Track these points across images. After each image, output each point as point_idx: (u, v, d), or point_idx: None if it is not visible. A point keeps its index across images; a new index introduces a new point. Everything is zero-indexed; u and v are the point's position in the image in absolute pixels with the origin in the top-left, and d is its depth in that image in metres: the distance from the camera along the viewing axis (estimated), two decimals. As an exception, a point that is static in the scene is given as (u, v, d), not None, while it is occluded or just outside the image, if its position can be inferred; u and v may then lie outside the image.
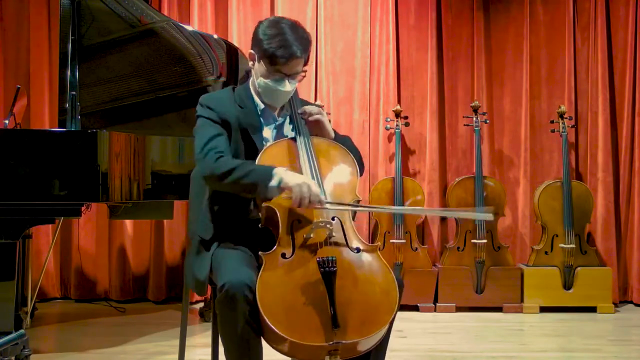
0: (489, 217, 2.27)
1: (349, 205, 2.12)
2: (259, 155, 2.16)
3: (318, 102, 4.54)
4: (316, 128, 2.28)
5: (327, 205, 2.06)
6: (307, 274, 1.95)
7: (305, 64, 2.22)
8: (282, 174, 2.03)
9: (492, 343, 3.78)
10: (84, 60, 3.51)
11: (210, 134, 2.17)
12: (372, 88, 4.89)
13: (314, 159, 2.15)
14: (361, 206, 2.15)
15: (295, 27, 2.19)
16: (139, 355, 3.44)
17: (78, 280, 4.83)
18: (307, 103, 2.40)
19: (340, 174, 2.21)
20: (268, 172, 2.04)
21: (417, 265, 4.57)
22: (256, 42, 2.19)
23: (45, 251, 4.60)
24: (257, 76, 2.23)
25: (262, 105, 2.28)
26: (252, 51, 2.24)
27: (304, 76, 2.26)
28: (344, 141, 2.33)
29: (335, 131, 2.35)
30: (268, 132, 2.29)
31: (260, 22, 2.23)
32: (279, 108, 2.32)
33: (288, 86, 2.20)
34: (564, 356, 3.55)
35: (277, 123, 2.32)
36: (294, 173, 2.06)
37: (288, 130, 2.32)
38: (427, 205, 4.74)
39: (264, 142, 2.25)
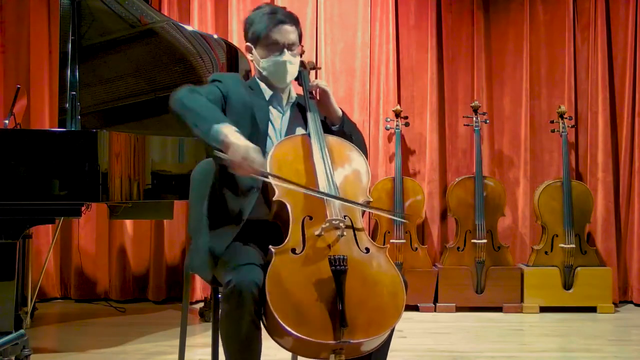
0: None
1: (285, 181, 2.04)
2: (272, 149, 2.16)
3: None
4: (323, 104, 2.31)
5: (261, 175, 2.00)
6: (318, 271, 1.94)
7: (300, 39, 2.31)
8: (229, 130, 1.99)
9: (492, 343, 3.78)
10: (84, 60, 3.51)
11: (203, 88, 2.24)
12: (372, 88, 4.89)
13: (328, 156, 2.16)
14: (293, 183, 2.07)
15: (276, 6, 2.34)
16: (139, 355, 3.43)
17: (78, 280, 4.83)
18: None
19: (353, 173, 2.22)
20: (220, 120, 2.02)
21: (417, 265, 4.57)
22: (247, 29, 2.31)
23: (45, 251, 4.60)
24: (259, 63, 2.29)
25: (270, 93, 2.32)
26: (247, 43, 2.32)
27: (303, 52, 2.34)
28: (353, 127, 2.37)
29: (343, 111, 2.36)
30: (278, 120, 2.31)
31: (246, 18, 2.35)
32: (286, 96, 2.34)
33: (288, 55, 2.25)
34: (564, 356, 3.55)
35: (285, 110, 2.33)
36: (240, 135, 2.00)
37: (298, 117, 2.34)
38: (427, 204, 4.76)
39: (270, 125, 2.27)
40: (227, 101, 2.24)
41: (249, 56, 2.34)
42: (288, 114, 2.34)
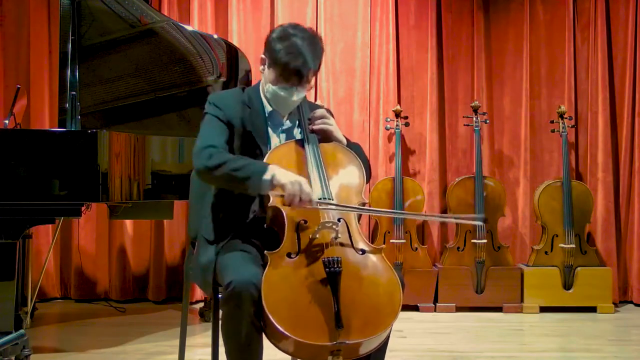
0: (478, 222, 2.25)
1: (343, 207, 2.10)
2: (267, 156, 2.17)
3: (319, 102, 4.54)
4: (325, 136, 2.27)
5: (318, 205, 2.05)
6: (313, 274, 1.96)
7: (316, 72, 2.23)
8: (276, 170, 2.03)
9: (492, 343, 3.78)
10: (83, 60, 3.52)
11: (212, 133, 2.19)
12: (372, 88, 4.89)
13: (321, 160, 2.16)
14: (354, 208, 2.13)
15: (309, 37, 2.17)
16: (139, 355, 3.44)
17: (78, 280, 4.83)
18: (309, 104, 2.40)
19: (347, 176, 2.22)
20: (262, 167, 2.04)
21: (417, 265, 4.58)
22: (268, 49, 2.20)
23: (45, 251, 4.60)
24: (267, 82, 2.24)
25: (269, 108, 2.29)
26: (263, 56, 2.24)
27: (312, 86, 2.27)
28: (355, 149, 2.32)
29: (347, 138, 2.32)
30: (275, 136, 2.30)
31: (273, 30, 2.23)
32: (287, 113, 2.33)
33: (296, 95, 2.20)
34: (564, 356, 3.55)
35: (285, 127, 2.32)
36: (286, 171, 2.05)
37: (297, 134, 2.32)
38: (427, 204, 4.75)
39: (269, 146, 2.25)
40: (230, 127, 2.22)
41: (260, 67, 2.27)
42: (288, 125, 2.32)
